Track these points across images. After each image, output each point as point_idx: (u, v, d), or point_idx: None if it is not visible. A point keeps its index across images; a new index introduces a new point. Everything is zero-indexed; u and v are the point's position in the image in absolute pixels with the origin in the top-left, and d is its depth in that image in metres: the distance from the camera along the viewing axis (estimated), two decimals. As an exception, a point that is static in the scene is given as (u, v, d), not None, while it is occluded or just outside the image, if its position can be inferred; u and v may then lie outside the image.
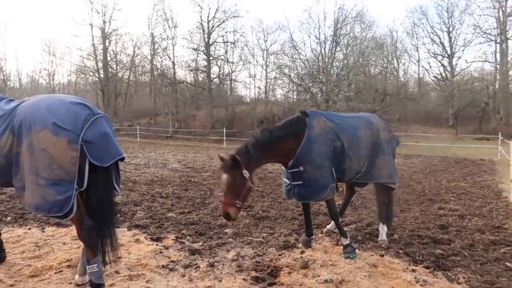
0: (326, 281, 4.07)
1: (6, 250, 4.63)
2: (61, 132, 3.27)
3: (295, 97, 41.89)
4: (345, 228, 6.14)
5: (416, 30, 43.56)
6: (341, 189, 7.02)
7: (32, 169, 3.30)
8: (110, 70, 40.25)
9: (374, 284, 4.06)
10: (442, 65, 42.43)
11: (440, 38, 41.65)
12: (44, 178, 3.26)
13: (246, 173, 4.38)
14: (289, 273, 4.36)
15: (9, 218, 6.45)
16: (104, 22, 38.70)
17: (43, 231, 5.76)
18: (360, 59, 35.29)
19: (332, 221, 5.73)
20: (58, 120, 3.30)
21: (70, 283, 3.92)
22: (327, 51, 34.66)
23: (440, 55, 42.09)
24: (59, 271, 4.25)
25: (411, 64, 52.05)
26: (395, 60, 43.02)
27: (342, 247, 5.03)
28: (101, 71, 39.63)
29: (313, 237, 5.44)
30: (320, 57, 34.92)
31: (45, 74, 45.79)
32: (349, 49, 35.10)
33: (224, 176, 4.37)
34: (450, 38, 40.83)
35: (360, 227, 6.29)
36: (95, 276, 3.41)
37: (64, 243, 5.18)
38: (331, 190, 4.81)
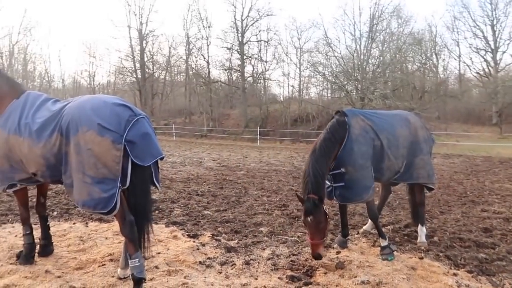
0: (363, 282, 4.01)
1: (54, 243, 4.89)
2: (105, 133, 3.41)
3: (329, 95, 41.31)
4: (383, 230, 6.04)
5: (456, 24, 41.75)
6: (377, 189, 6.89)
7: (79, 168, 3.47)
8: (147, 70, 41.45)
9: (412, 287, 3.97)
10: (485, 60, 40.43)
11: (483, 32, 39.70)
12: (90, 177, 3.42)
13: (325, 209, 4.42)
14: (325, 273, 4.33)
15: (55, 213, 6.81)
16: (141, 23, 39.92)
17: (87, 226, 6.04)
18: (397, 55, 34.29)
19: (369, 222, 5.64)
20: (102, 121, 3.44)
21: (113, 276, 4.09)
22: (362, 48, 33.96)
23: (483, 49, 40.12)
24: (102, 265, 4.45)
25: (451, 60, 50.19)
26: (434, 56, 41.46)
27: (379, 248, 4.93)
28: (139, 72, 40.88)
29: (349, 237, 5.37)
30: (355, 54, 34.27)
31: (86, 75, 47.78)
32: (385, 46, 34.22)
33: (310, 219, 4.32)
34: (494, 32, 38.82)
35: (397, 228, 6.14)
36: (137, 270, 3.54)
37: (106, 238, 5.41)
38: (372, 191, 4.74)
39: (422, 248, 5.13)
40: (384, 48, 34.22)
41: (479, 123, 36.70)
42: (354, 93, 34.05)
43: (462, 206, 7.95)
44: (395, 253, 4.89)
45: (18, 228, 5.11)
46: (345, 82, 34.93)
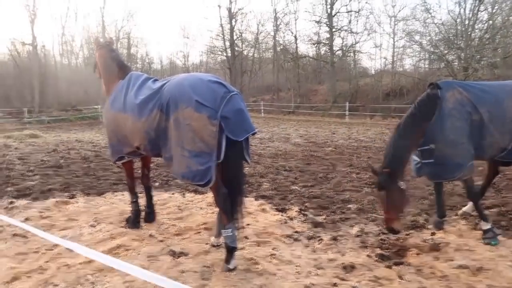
0: (460, 266, 3.74)
1: (156, 211, 5.41)
2: (202, 109, 3.60)
3: (426, 66, 38.06)
4: (486, 212, 5.51)
5: None
6: (481, 168, 6.29)
7: (178, 142, 3.74)
8: (236, 48, 42.38)
9: (521, 276, 3.58)
10: None
11: None
12: (188, 150, 3.67)
13: (402, 184, 4.19)
14: (418, 254, 4.13)
15: (157, 184, 7.49)
16: (230, 2, 40.62)
17: (184, 197, 6.55)
18: (511, 18, 30.03)
19: (469, 203, 5.18)
20: (200, 98, 3.64)
21: (207, 244, 4.41)
22: (467, 12, 30.29)
23: None
24: (198, 232, 4.81)
25: None
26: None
27: (481, 232, 4.53)
28: (228, 50, 42.01)
29: (446, 219, 4.99)
30: (458, 20, 30.77)
31: (181, 56, 50.60)
32: (496, 7, 30.13)
33: (382, 193, 4.21)
34: None
35: (504, 211, 5.55)
36: (230, 239, 3.75)
37: (201, 208, 5.82)
38: (469, 169, 4.32)
39: None
40: (494, 10, 30.17)
41: None
42: (457, 63, 30.89)
43: None
44: (500, 237, 4.44)
45: (127, 196, 5.75)
46: (446, 51, 31.76)
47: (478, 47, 29.21)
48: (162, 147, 4.01)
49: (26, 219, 5.22)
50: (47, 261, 3.94)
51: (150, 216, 5.22)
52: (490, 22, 29.92)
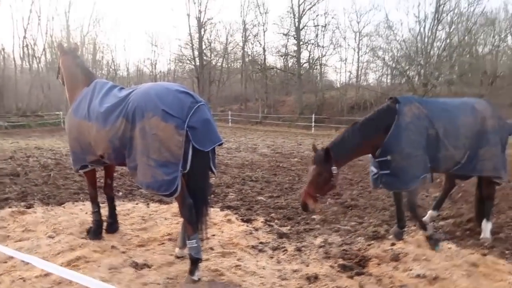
0: (418, 276, 3.89)
1: (119, 221, 5.27)
2: (169, 119, 3.58)
3: (389, 81, 39.58)
4: (442, 223, 5.78)
5: (537, 2, 37.83)
6: (438, 180, 6.58)
7: (144, 151, 3.69)
8: (204, 58, 42.30)
9: (473, 285, 3.76)
10: None
11: None
12: (153, 160, 3.63)
13: (335, 170, 4.32)
14: (378, 264, 4.26)
15: (120, 193, 7.32)
16: (200, 12, 40.63)
17: (148, 207, 6.43)
18: (466, 37, 31.86)
19: (427, 214, 5.40)
20: (167, 107, 3.62)
21: (171, 255, 4.34)
22: (427, 31, 31.92)
23: None
24: (162, 243, 4.73)
25: (530, 42, 45.30)
26: (509, 37, 37.98)
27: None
28: (197, 59, 41.86)
29: (406, 229, 5.19)
30: (418, 37, 32.33)
31: (148, 63, 49.91)
32: (453, 27, 31.89)
33: (313, 168, 4.37)
34: None
35: (459, 222, 5.82)
36: (194, 250, 3.72)
37: (165, 218, 5.73)
38: (421, 181, 4.54)
39: (486, 244, 4.84)
40: (451, 30, 31.92)
41: (560, 111, 33.31)
42: (416, 79, 32.32)
43: (534, 201, 7.33)
44: (454, 247, 4.67)
45: (88, 206, 5.57)
46: (407, 67, 33.20)
47: (436, 64, 30.76)
48: (126, 156, 3.94)
49: (-22, 231, 4.94)
50: (0, 274, 3.74)
51: (112, 227, 5.08)
52: (448, 40, 31.63)
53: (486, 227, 5.05)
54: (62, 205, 6.44)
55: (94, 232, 4.82)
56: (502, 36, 36.86)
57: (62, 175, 9.01)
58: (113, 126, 3.97)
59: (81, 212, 5.99)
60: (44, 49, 38.54)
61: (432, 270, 4.00)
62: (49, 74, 34.80)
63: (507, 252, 4.62)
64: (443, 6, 30.97)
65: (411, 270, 4.04)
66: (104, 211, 5.13)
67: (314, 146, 4.59)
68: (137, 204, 6.63)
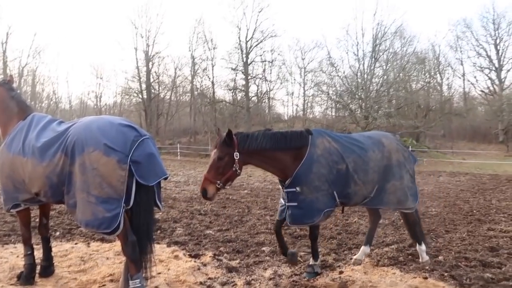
0: (365, 303, 3.95)
1: (55, 264, 4.88)
2: (111, 153, 3.46)
3: (333, 114, 41.50)
4: (386, 249, 5.97)
5: (460, 44, 42.22)
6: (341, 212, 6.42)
7: (83, 188, 3.50)
8: (152, 91, 41.91)
9: (417, 308, 3.89)
10: (490, 78, 40.67)
11: (486, 51, 40.07)
12: (94, 196, 3.45)
13: (237, 156, 4.23)
14: (327, 293, 4.28)
15: (58, 233, 6.81)
16: (148, 45, 40.62)
17: (89, 246, 6.02)
18: (401, 74, 34.56)
19: (361, 250, 5.43)
20: (109, 141, 3.50)
21: (113, 297, 4.07)
22: (366, 68, 34.33)
23: (487, 68, 40.42)
24: (103, 285, 4.42)
25: (456, 79, 49.97)
26: (438, 75, 41.72)
27: (383, 268, 4.91)
28: (145, 92, 41.35)
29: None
30: (358, 74, 34.61)
31: (93, 96, 48.41)
32: (389, 65, 34.54)
33: (214, 151, 4.30)
34: (497, 51, 39.19)
35: (401, 247, 6.06)
36: (137, 291, 3.52)
37: (107, 258, 5.39)
38: (324, 216, 4.52)
39: (427, 267, 5.05)
40: (387, 68, 34.54)
41: (485, 141, 36.60)
42: (358, 112, 34.18)
43: (468, 224, 7.85)
44: (398, 272, 4.83)
45: (20, 248, 5.12)
46: (349, 101, 35.13)
47: (375, 98, 32.85)
48: (65, 193, 3.72)
49: None
50: None
51: (47, 270, 4.68)
52: (385, 77, 34.06)
53: (421, 250, 5.24)
54: (-10, 249, 5.86)
55: (26, 277, 4.40)
56: (432, 73, 40.50)
57: (-8, 216, 8.26)
58: (50, 162, 3.75)
59: (11, 256, 5.47)
60: (-23, 81, 36.24)
61: (378, 297, 4.09)
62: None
63: (445, 274, 4.85)
64: (379, 46, 33.53)
65: (358, 297, 4.10)
66: (39, 253, 4.73)
67: (219, 130, 4.50)
68: (76, 244, 6.19)
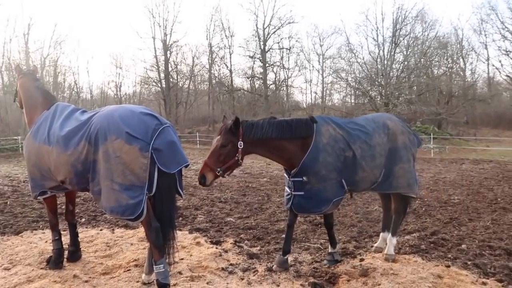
0: (387, 290, 3.94)
1: (82, 249, 5.04)
2: (133, 141, 3.51)
3: (353, 101, 40.96)
4: (407, 237, 5.92)
5: (484, 27, 40.54)
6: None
7: (107, 175, 3.58)
8: (171, 80, 42.15)
9: (439, 296, 3.86)
10: (516, 62, 39.14)
11: (512, 34, 38.50)
12: (118, 183, 3.53)
13: (241, 145, 4.14)
14: (348, 280, 4.28)
15: (83, 220, 7.02)
16: (165, 34, 40.68)
17: (113, 232, 6.19)
18: (422, 60, 33.71)
19: (380, 238, 5.35)
20: (130, 130, 3.55)
21: (137, 282, 4.18)
22: (386, 53, 33.61)
23: (513, 52, 38.88)
24: (128, 270, 4.55)
25: (479, 63, 48.27)
26: (461, 60, 40.43)
27: (403, 256, 4.86)
28: (163, 81, 41.65)
29: (288, 256, 4.75)
30: (378, 60, 33.96)
31: (113, 85, 48.98)
32: (409, 50, 33.70)
33: (218, 137, 4.20)
34: (524, 33, 37.58)
35: (423, 235, 6.00)
36: (162, 276, 3.61)
37: (131, 244, 5.53)
38: (334, 204, 4.47)
39: (389, 260, 4.81)
40: (408, 53, 33.71)
41: (510, 127, 35.44)
42: (378, 99, 33.63)
43: (492, 213, 7.69)
44: (420, 260, 4.79)
45: (48, 234, 5.30)
46: (369, 88, 34.57)
47: (396, 85, 32.20)
48: (90, 180, 3.81)
49: None
50: None
51: (75, 255, 4.84)
52: (405, 63, 33.27)
53: (390, 243, 4.97)
54: (20, 234, 6.09)
55: (55, 262, 4.57)
56: (455, 58, 39.30)
57: (20, 203, 8.56)
58: (75, 150, 3.84)
59: (40, 241, 5.68)
60: (1, 72, 37.14)
61: (399, 284, 4.07)
62: (6, 98, 33.44)
63: (469, 263, 4.79)
64: (400, 31, 32.71)
65: (379, 284, 4.09)
66: (66, 239, 4.89)
67: (225, 117, 4.40)
68: (101, 230, 6.38)
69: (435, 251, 5.27)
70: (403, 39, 33.38)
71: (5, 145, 28.73)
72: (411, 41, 33.81)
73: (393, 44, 32.84)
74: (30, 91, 4.79)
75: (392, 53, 33.27)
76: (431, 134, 26.17)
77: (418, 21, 34.32)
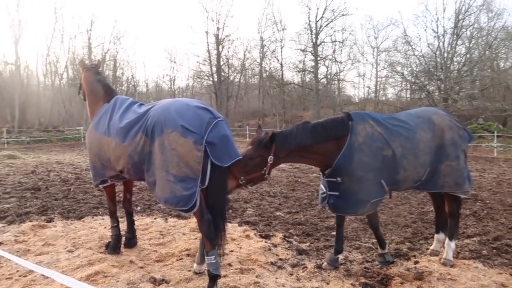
0: (444, 296, 3.73)
1: (137, 236, 5.28)
2: (188, 134, 3.59)
3: (408, 96, 39.21)
4: (467, 241, 5.57)
5: (560, 15, 37.05)
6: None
7: (163, 167, 3.70)
8: (222, 74, 42.88)
9: (503, 307, 3.59)
10: None
11: None
12: (172, 175, 3.63)
13: (271, 160, 4.05)
14: (401, 283, 4.11)
15: (139, 208, 7.35)
16: (218, 29, 41.40)
17: (166, 221, 6.42)
18: (487, 52, 31.38)
19: (434, 241, 5.08)
20: (186, 123, 3.64)
21: (189, 271, 4.30)
22: (446, 45, 31.68)
23: None
24: (180, 259, 4.69)
25: (553, 55, 44.21)
26: (531, 52, 37.21)
27: (462, 261, 4.59)
28: (215, 75, 42.47)
29: (340, 256, 4.64)
30: (438, 52, 32.09)
31: (167, 79, 50.80)
32: (473, 42, 31.55)
33: (249, 148, 4.11)
34: None
35: (485, 240, 5.61)
36: (213, 267, 3.67)
37: (183, 234, 5.70)
38: (372, 206, 4.21)
39: (447, 266, 4.51)
40: (471, 45, 31.57)
41: None
42: (437, 94, 31.91)
43: None
44: (481, 266, 4.48)
45: (107, 220, 5.60)
46: (426, 82, 32.88)
47: (456, 79, 30.35)
48: (145, 171, 3.95)
49: (0, 244, 5.01)
50: (20, 288, 3.77)
51: (131, 242, 5.09)
52: (468, 55, 31.21)
53: (449, 247, 4.68)
54: (82, 219, 6.51)
55: (113, 247, 4.83)
56: (525, 50, 36.17)
57: (82, 190, 9.14)
58: (132, 141, 3.99)
59: (100, 227, 6.03)
60: (66, 66, 39.83)
61: (458, 291, 3.84)
62: (71, 91, 35.83)
63: (538, 272, 4.40)
64: (462, 21, 30.71)
65: (436, 290, 3.88)
66: (123, 226, 5.14)
67: (260, 127, 4.31)
68: (155, 219, 6.64)
69: (498, 257, 4.91)
70: (466, 30, 31.31)
71: (69, 135, 30.85)
72: (475, 32, 31.64)
73: (455, 36, 30.87)
74: (92, 85, 5.07)
75: (453, 45, 31.31)
76: (495, 131, 24.42)
77: (484, 11, 32.00)
